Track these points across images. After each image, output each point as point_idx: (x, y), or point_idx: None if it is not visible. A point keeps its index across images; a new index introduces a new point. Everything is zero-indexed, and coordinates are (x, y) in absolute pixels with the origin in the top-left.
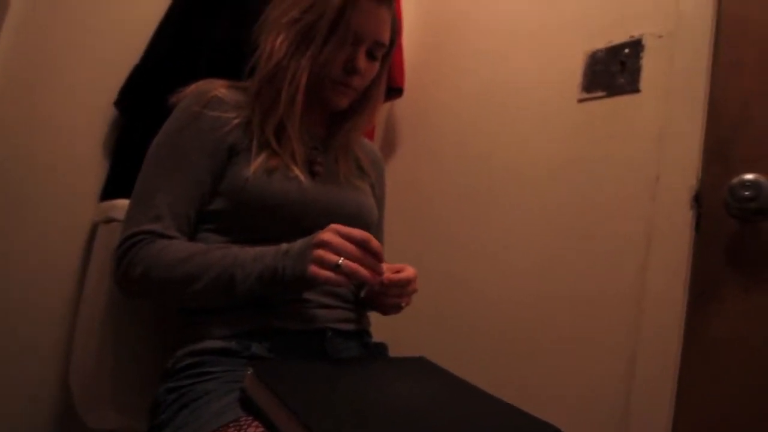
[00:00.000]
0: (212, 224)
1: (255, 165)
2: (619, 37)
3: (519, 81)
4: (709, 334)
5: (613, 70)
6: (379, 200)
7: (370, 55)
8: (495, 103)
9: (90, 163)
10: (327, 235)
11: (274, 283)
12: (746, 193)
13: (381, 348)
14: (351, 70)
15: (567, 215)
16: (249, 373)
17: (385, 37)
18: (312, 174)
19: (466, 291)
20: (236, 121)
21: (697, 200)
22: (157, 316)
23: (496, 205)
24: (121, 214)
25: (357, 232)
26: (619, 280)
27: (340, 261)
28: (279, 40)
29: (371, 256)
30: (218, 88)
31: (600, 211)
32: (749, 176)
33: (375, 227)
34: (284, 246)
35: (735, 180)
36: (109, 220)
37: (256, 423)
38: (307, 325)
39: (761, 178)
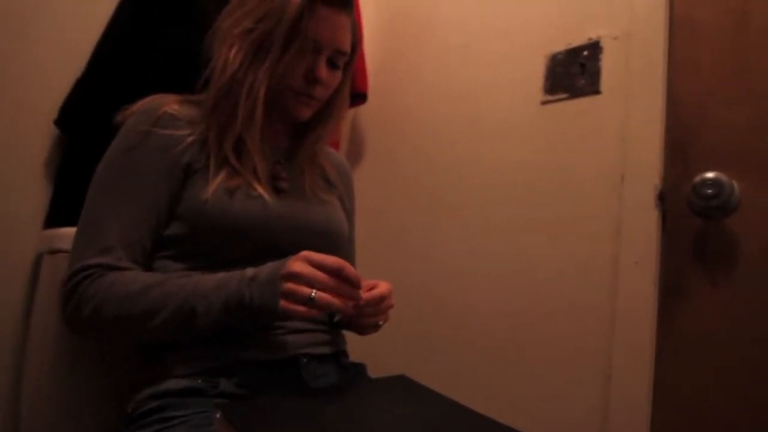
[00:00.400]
0: (170, 251)
1: (214, 185)
2: (577, 39)
3: (481, 85)
4: (680, 328)
5: (573, 72)
6: (349, 213)
7: (332, 64)
8: (459, 107)
9: (31, 188)
10: (297, 265)
11: (240, 312)
12: (709, 191)
13: (359, 368)
14: (312, 80)
15: (535, 218)
16: (218, 416)
17: (346, 45)
18: (276, 190)
19: (435, 299)
20: (191, 138)
21: (662, 199)
22: (115, 353)
23: (463, 211)
24: (66, 244)
25: (330, 260)
26: (591, 280)
27: (313, 294)
28: (233, 52)
29: (346, 284)
30: (169, 103)
31: (568, 213)
32: (710, 174)
33: (346, 242)
34: (249, 271)
35: (697, 179)
36: (54, 251)
37: None
38: (279, 354)
39: (722, 176)
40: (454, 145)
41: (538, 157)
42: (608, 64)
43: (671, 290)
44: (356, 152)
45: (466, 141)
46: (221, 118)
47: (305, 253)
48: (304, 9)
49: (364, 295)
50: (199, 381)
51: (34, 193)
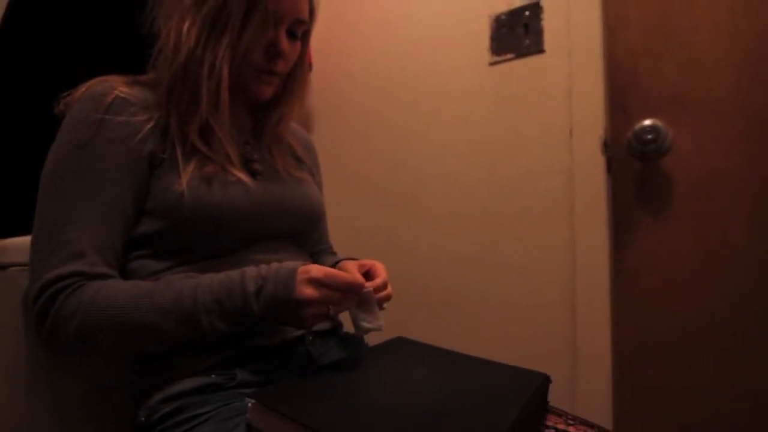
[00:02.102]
0: (146, 249)
1: (187, 175)
2: (518, 0)
3: (428, 48)
4: (628, 260)
5: (518, 33)
6: (319, 186)
7: (291, 35)
8: (405, 69)
9: None
10: (308, 291)
11: (249, 325)
12: (648, 136)
13: (357, 339)
14: (274, 54)
15: (492, 176)
16: (251, 404)
17: (305, 13)
18: (252, 173)
19: (397, 259)
20: (149, 125)
21: (606, 147)
22: (99, 365)
23: (418, 172)
24: (19, 257)
25: (339, 281)
26: (550, 228)
27: (330, 312)
28: (185, 27)
29: (354, 293)
30: (118, 86)
31: (523, 170)
32: (648, 122)
33: (324, 218)
34: (250, 283)
35: (637, 126)
36: (3, 266)
37: None
38: (285, 337)
39: (658, 123)
40: (403, 107)
41: (489, 117)
42: (549, 24)
43: (620, 227)
44: (302, 121)
45: (415, 102)
46: (181, 103)
47: (312, 273)
48: None
49: (369, 284)
50: (213, 376)
51: None
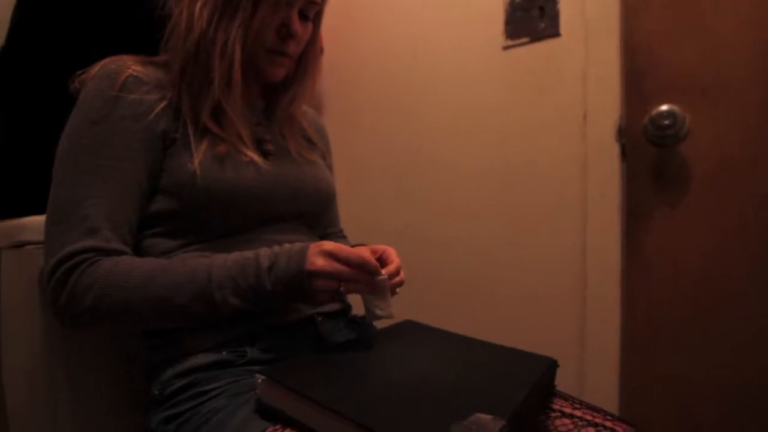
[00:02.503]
0: (159, 227)
1: (200, 154)
2: None
3: (440, 31)
4: (644, 247)
5: (533, 16)
6: (330, 169)
7: (303, 16)
8: (419, 56)
9: None
10: (320, 260)
11: (263, 301)
12: (665, 122)
13: (367, 321)
14: (286, 35)
15: (504, 162)
16: (260, 380)
17: None
18: (264, 154)
19: (410, 245)
20: (162, 104)
21: (621, 132)
22: (109, 337)
23: (431, 157)
24: (34, 236)
25: (353, 257)
26: (563, 214)
27: (341, 288)
28: (197, 7)
29: (367, 273)
30: (131, 65)
31: (535, 155)
32: (665, 107)
33: (335, 201)
34: (264, 259)
35: (654, 112)
36: (19, 245)
37: (288, 430)
38: (295, 316)
39: (675, 108)
40: (416, 92)
41: (502, 102)
42: (566, 7)
43: (634, 214)
44: (313, 104)
45: (426, 86)
46: (193, 84)
47: (325, 246)
48: None
49: (384, 270)
50: (224, 353)
51: None
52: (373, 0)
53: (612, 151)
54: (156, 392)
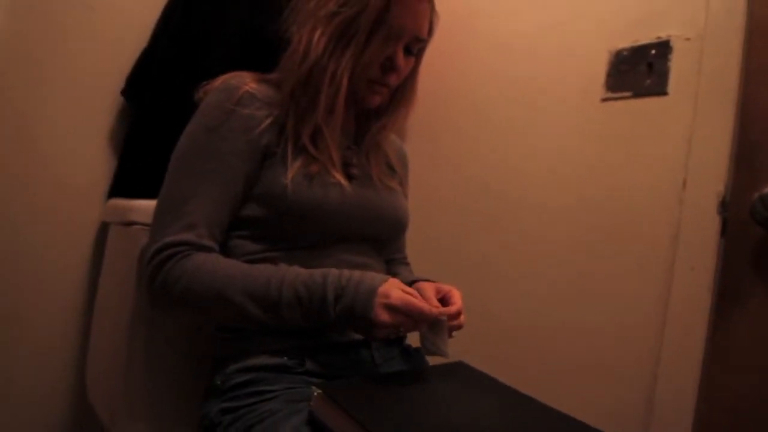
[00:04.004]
0: (245, 231)
1: (293, 170)
2: (644, 37)
3: (538, 76)
4: (734, 334)
5: (639, 71)
6: (406, 196)
7: (407, 50)
8: (515, 95)
9: (95, 157)
10: (385, 317)
11: (324, 321)
12: None
13: (419, 353)
14: (389, 68)
15: (591, 218)
16: (317, 393)
17: (425, 32)
18: (349, 177)
19: (483, 295)
20: (269, 120)
21: (724, 206)
22: (186, 327)
23: (513, 207)
24: (141, 217)
25: (414, 309)
26: (644, 282)
27: (400, 332)
28: (316, 36)
29: (425, 321)
30: (248, 82)
31: (625, 214)
32: None
33: (407, 229)
34: (331, 287)
35: (766, 190)
36: (128, 223)
37: None
38: (353, 337)
39: None
40: (499, 130)
41: (594, 155)
42: (678, 66)
43: (727, 296)
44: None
45: (513, 127)
46: (301, 105)
47: (391, 299)
48: None
49: (443, 309)
50: (285, 358)
51: (98, 162)
52: (468, 34)
53: (710, 224)
54: (219, 382)
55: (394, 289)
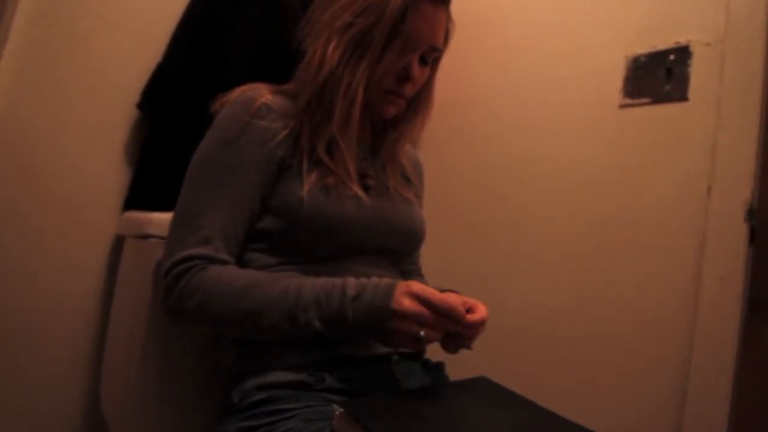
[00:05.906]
0: (262, 243)
1: (309, 183)
2: (662, 43)
3: (556, 81)
4: (763, 346)
5: (658, 77)
6: (421, 206)
7: (422, 60)
8: (530, 101)
9: (111, 169)
10: (407, 302)
11: (342, 329)
12: None
13: (440, 367)
14: (404, 78)
15: (613, 227)
16: (338, 412)
17: (441, 42)
18: (365, 188)
19: (503, 304)
20: (285, 132)
21: (751, 213)
22: (202, 341)
23: (530, 216)
24: (157, 230)
25: (440, 302)
26: (671, 293)
27: (422, 333)
28: (331, 47)
29: (451, 321)
30: (264, 94)
31: (648, 224)
32: None
33: (423, 241)
34: (351, 289)
35: None
36: (144, 236)
37: None
38: (373, 351)
39: None
40: (516, 139)
41: (615, 162)
42: (698, 71)
43: (758, 306)
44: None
45: (528, 135)
46: (316, 117)
47: (414, 288)
48: (408, 6)
49: (468, 319)
50: (305, 375)
51: (114, 175)
52: (482, 42)
53: (738, 232)
54: (236, 400)
55: (415, 282)
